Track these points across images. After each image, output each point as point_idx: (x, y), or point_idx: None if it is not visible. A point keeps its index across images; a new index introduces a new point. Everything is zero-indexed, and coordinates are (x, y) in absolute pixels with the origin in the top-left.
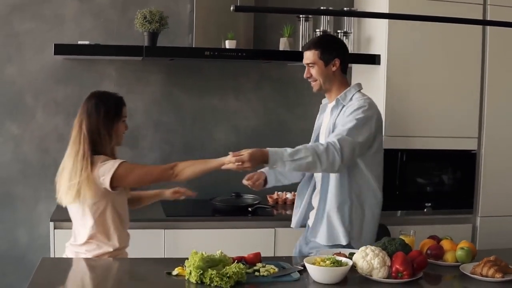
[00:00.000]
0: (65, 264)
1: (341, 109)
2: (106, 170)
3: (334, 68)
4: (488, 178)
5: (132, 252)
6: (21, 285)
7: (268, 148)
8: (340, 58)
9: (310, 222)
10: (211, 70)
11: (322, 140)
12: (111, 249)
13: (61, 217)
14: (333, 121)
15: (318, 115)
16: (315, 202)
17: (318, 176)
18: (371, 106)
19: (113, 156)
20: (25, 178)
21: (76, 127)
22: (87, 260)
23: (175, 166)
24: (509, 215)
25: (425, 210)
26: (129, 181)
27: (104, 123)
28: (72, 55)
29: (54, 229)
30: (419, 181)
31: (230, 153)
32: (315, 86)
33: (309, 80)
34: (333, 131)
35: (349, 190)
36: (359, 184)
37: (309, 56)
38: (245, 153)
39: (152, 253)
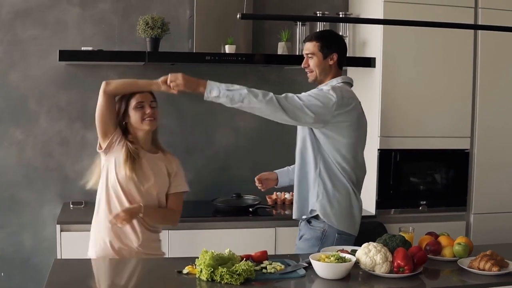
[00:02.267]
0: (77, 265)
1: None
2: None
3: (331, 62)
4: (480, 177)
5: None
6: None
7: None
8: (338, 53)
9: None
10: (210, 74)
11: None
12: None
13: (68, 219)
14: None
15: None
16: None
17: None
18: (335, 90)
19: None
20: (29, 182)
21: None
22: (97, 260)
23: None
24: (501, 212)
25: (420, 208)
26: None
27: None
28: (76, 61)
29: (61, 231)
30: (414, 180)
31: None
32: (310, 76)
33: (306, 70)
34: None
35: (314, 162)
36: (326, 163)
37: (309, 47)
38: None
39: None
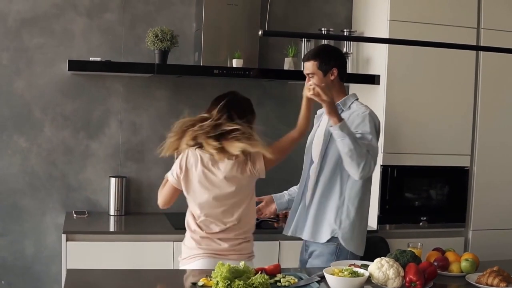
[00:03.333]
0: (91, 275)
1: (341, 114)
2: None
3: (332, 77)
4: (479, 194)
5: (143, 264)
6: None
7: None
8: (337, 67)
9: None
10: (214, 87)
11: (317, 145)
12: None
13: (73, 229)
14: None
15: (314, 126)
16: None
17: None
18: (372, 112)
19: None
20: (32, 190)
21: None
22: (113, 271)
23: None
24: (499, 229)
25: (420, 223)
26: None
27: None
28: (84, 71)
29: (66, 241)
30: (415, 196)
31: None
32: None
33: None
34: (331, 135)
35: (340, 190)
36: (350, 185)
37: (308, 66)
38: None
39: (162, 265)
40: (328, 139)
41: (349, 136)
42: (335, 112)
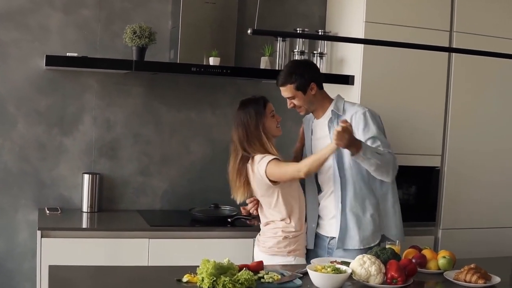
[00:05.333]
0: (73, 272)
1: (338, 119)
2: (260, 168)
3: (313, 92)
4: (449, 193)
5: (119, 261)
6: None
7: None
8: (314, 80)
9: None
10: (189, 85)
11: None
12: (292, 230)
13: (48, 225)
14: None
15: (304, 130)
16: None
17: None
18: (367, 109)
19: (270, 149)
20: (4, 187)
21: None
22: (95, 267)
23: (301, 169)
24: (469, 228)
25: None
26: (276, 177)
27: (251, 128)
28: (61, 67)
29: (41, 237)
30: None
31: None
32: (302, 112)
33: (294, 108)
34: None
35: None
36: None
37: (286, 91)
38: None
39: (137, 261)
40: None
41: (372, 155)
42: (354, 143)
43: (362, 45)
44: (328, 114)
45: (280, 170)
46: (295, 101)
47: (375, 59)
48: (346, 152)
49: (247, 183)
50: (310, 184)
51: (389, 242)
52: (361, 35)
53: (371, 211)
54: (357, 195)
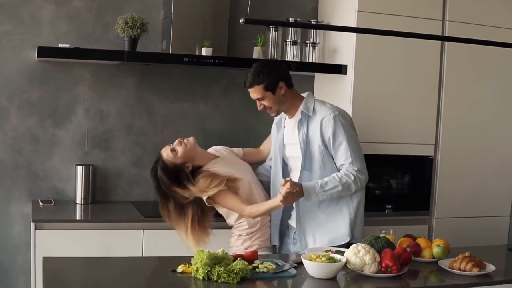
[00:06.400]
0: (68, 263)
1: (308, 120)
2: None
3: (282, 91)
4: (443, 182)
5: (113, 252)
6: None
7: (302, 183)
8: (282, 79)
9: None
10: (181, 76)
11: (293, 152)
12: (246, 227)
13: (42, 217)
14: (305, 132)
15: (276, 132)
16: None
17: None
18: (340, 110)
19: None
20: None
21: None
22: (89, 259)
23: (246, 213)
24: (462, 217)
25: (386, 211)
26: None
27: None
28: (52, 58)
29: (35, 229)
30: (381, 184)
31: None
32: (272, 113)
33: (265, 110)
34: (308, 143)
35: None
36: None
37: (254, 92)
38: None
39: (131, 253)
40: (306, 148)
41: (321, 196)
42: (296, 199)
43: (355, 34)
44: (298, 114)
45: (225, 202)
46: (265, 102)
47: (367, 49)
48: (316, 151)
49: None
50: (277, 178)
51: (383, 231)
52: (353, 25)
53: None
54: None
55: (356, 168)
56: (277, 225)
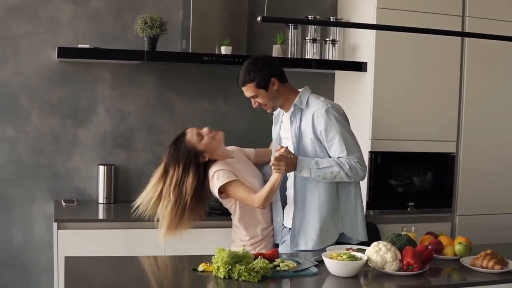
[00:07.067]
0: (90, 263)
1: (301, 113)
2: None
3: (275, 87)
4: (465, 179)
5: (135, 251)
6: (16, 286)
7: (298, 156)
8: (274, 75)
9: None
10: (201, 75)
11: (289, 146)
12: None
13: (64, 217)
14: (297, 126)
15: (273, 127)
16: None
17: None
18: (334, 104)
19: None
20: (20, 179)
21: None
22: (111, 258)
23: (256, 203)
24: (485, 214)
25: (408, 209)
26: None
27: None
28: (73, 58)
29: (58, 229)
30: (403, 182)
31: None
32: (268, 109)
33: (260, 107)
34: (300, 136)
35: (334, 192)
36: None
37: (247, 91)
38: (285, 157)
39: (153, 252)
40: (298, 142)
41: (314, 172)
42: (291, 168)
43: (374, 31)
44: (292, 108)
45: (236, 193)
46: (259, 100)
47: (387, 45)
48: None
49: None
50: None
51: (405, 229)
52: (373, 21)
53: (333, 211)
54: (319, 196)
55: (356, 160)
56: (279, 223)
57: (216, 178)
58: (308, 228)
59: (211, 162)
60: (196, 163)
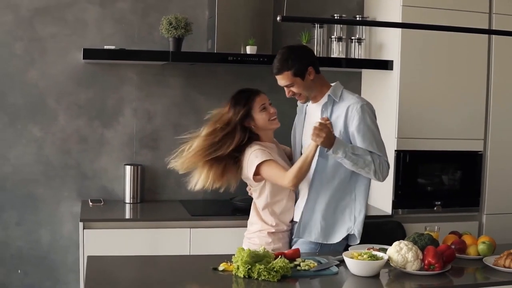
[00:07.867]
0: (111, 262)
1: (333, 105)
2: (250, 166)
3: (311, 77)
4: (493, 178)
5: (160, 251)
6: (43, 285)
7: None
8: (310, 64)
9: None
10: (227, 75)
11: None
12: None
13: (91, 217)
14: (328, 116)
15: (297, 117)
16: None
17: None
18: (365, 102)
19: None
20: (47, 180)
21: None
22: (132, 257)
23: (289, 181)
24: None
25: (435, 208)
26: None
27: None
28: (99, 60)
29: (84, 229)
30: (429, 181)
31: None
32: (301, 99)
33: (293, 97)
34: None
35: (351, 188)
36: (359, 181)
37: (283, 79)
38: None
39: (179, 251)
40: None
41: (348, 156)
42: (329, 143)
43: (400, 29)
44: (325, 98)
45: (269, 172)
46: (294, 89)
47: (413, 44)
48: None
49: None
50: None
51: (428, 228)
52: (399, 20)
53: (346, 208)
54: (335, 190)
55: (385, 159)
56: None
57: (255, 156)
58: (316, 219)
59: (251, 140)
60: (241, 128)
